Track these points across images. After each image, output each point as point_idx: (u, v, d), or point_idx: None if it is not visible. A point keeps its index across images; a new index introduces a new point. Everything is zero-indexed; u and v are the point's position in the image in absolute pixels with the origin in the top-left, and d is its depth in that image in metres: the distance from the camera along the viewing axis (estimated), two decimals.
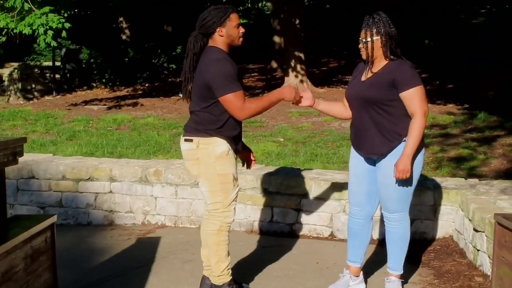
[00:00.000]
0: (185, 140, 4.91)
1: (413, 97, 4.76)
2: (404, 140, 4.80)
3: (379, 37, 4.85)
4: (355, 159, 5.16)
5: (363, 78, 4.99)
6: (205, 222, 5.04)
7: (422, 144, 4.87)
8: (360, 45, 4.95)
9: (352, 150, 5.18)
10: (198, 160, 4.85)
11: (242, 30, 4.92)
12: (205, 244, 5.04)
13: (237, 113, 4.73)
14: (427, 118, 4.85)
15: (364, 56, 4.96)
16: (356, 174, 5.16)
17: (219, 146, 4.81)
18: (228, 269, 4.98)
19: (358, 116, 5.00)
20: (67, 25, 13.67)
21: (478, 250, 5.59)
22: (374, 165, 5.01)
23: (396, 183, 4.87)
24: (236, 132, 4.94)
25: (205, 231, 5.00)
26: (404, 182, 4.86)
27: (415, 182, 4.93)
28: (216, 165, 4.82)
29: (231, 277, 5.01)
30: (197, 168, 4.88)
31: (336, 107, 5.26)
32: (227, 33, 4.83)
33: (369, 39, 4.87)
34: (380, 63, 4.91)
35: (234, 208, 4.98)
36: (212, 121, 4.80)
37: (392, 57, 4.87)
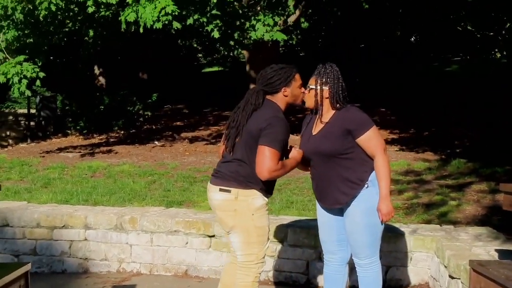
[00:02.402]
0: (221, 189, 4.84)
1: (370, 139, 4.84)
2: (367, 186, 4.85)
3: (327, 88, 4.92)
4: (321, 209, 5.18)
5: (314, 132, 5.03)
6: (230, 271, 5.08)
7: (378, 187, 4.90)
8: (306, 91, 5.00)
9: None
10: (236, 212, 4.80)
11: (303, 90, 4.98)
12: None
13: (264, 170, 4.67)
14: (386, 152, 4.90)
15: (308, 104, 5.02)
16: (324, 223, 5.18)
17: (258, 199, 4.80)
18: None
19: (317, 170, 5.04)
20: (41, 74, 13.63)
21: None
22: (341, 212, 5.02)
23: (363, 229, 4.90)
24: (274, 184, 4.96)
25: (235, 282, 4.97)
26: (371, 227, 4.89)
27: (381, 225, 4.95)
28: (254, 218, 4.81)
29: None
30: (234, 219, 4.83)
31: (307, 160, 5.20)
32: (292, 93, 4.90)
33: (318, 87, 4.94)
34: (328, 113, 4.96)
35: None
36: (256, 174, 4.75)
37: (338, 106, 4.93)
